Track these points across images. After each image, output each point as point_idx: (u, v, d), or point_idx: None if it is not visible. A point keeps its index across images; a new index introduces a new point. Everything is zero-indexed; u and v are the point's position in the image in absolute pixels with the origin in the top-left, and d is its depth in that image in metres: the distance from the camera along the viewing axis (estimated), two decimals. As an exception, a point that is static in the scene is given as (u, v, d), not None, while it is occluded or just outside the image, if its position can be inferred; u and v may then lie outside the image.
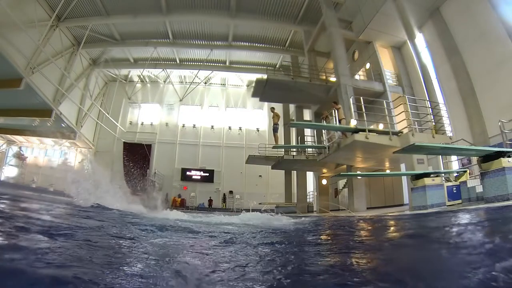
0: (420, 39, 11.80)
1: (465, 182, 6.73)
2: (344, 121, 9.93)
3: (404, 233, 4.02)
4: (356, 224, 5.54)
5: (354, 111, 10.55)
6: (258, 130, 24.53)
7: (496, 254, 1.77)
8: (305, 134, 17.16)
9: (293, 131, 18.77)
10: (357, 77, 14.22)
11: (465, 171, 6.94)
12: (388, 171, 11.95)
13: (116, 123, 22.40)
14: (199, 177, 22.97)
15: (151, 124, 24.48)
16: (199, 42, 20.40)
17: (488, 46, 8.96)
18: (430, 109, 9.01)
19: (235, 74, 24.05)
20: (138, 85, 24.94)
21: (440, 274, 1.52)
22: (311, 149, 15.29)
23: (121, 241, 2.67)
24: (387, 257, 2.33)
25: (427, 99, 9.58)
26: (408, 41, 11.89)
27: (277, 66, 20.81)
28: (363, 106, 8.75)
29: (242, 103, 25.33)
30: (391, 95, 12.00)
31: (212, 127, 24.47)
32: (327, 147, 10.72)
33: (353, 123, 9.41)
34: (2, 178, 19.29)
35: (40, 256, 1.58)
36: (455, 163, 9.48)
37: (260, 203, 19.64)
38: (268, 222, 6.63)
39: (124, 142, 23.18)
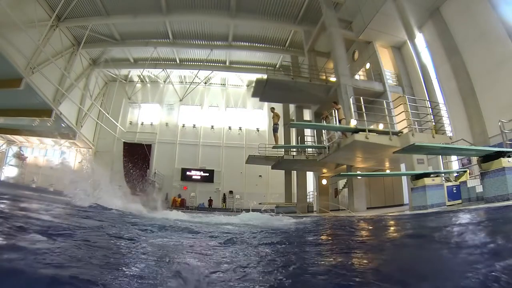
0: (420, 39, 11.80)
1: (465, 182, 6.72)
2: (344, 121, 9.94)
3: (405, 233, 4.01)
4: (357, 224, 5.54)
5: (354, 111, 10.54)
6: (258, 130, 24.53)
7: (497, 254, 1.77)
8: (305, 134, 17.16)
9: (293, 131, 18.77)
10: (357, 77, 14.21)
11: (465, 171, 6.93)
12: (388, 171, 11.95)
13: (116, 123, 22.40)
14: (199, 177, 22.97)
15: (151, 124, 24.48)
16: (199, 42, 20.40)
17: (488, 46, 8.95)
18: (430, 109, 9.01)
19: (235, 74, 24.05)
20: (138, 85, 24.93)
21: (441, 274, 1.51)
22: (311, 149, 15.29)
23: (120, 242, 2.67)
24: (387, 257, 2.33)
25: (427, 99, 9.58)
26: (408, 41, 11.88)
27: (277, 66, 20.81)
28: (363, 106, 8.74)
29: (242, 103, 25.33)
30: (391, 95, 11.99)
31: (212, 127, 24.46)
32: (327, 147, 10.71)
33: (353, 123, 9.41)
34: (2, 178, 19.28)
35: (38, 256, 1.58)
36: (455, 163, 9.48)
37: (260, 203, 19.63)
38: (268, 222, 6.62)
39: (124, 142, 23.18)
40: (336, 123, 10.02)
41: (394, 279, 1.57)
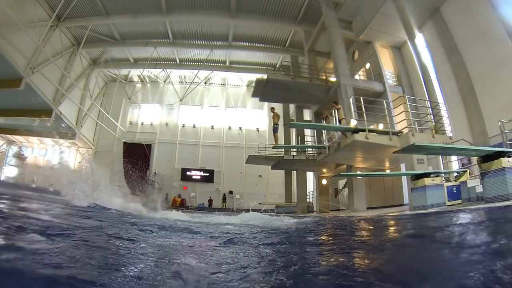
0: (420, 39, 11.79)
1: (465, 182, 6.72)
2: (344, 121, 9.93)
3: (405, 233, 4.00)
4: (357, 224, 5.53)
5: (354, 111, 10.53)
6: (258, 130, 24.53)
7: (497, 254, 1.76)
8: (305, 134, 17.16)
9: (293, 131, 18.76)
10: (357, 77, 14.21)
11: (465, 171, 6.93)
12: (388, 171, 11.94)
13: (116, 123, 22.40)
14: (199, 177, 22.96)
15: (151, 124, 24.48)
16: (199, 42, 20.40)
17: (488, 46, 8.95)
18: (430, 109, 9.00)
19: (235, 74, 24.05)
20: (138, 85, 24.93)
21: (442, 274, 1.51)
22: (311, 149, 15.29)
23: (119, 242, 2.66)
24: (388, 257, 2.32)
25: (427, 99, 9.57)
26: (408, 41, 11.88)
27: (277, 66, 20.81)
28: (363, 106, 8.74)
29: (242, 103, 25.33)
30: (391, 95, 11.99)
31: (212, 127, 24.46)
32: (327, 147, 10.71)
33: (353, 123, 9.40)
34: (2, 178, 19.27)
35: (37, 256, 1.57)
36: (455, 163, 9.47)
37: (260, 203, 19.64)
38: (269, 222, 6.61)
39: (124, 142, 23.18)
40: (336, 123, 10.02)
41: (395, 279, 1.56)
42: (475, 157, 6.44)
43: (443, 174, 7.37)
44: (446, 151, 7.40)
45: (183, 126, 24.44)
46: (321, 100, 14.01)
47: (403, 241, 3.16)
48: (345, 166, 12.20)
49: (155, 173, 21.98)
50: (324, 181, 15.48)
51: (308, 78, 13.63)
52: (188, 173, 22.97)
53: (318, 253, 2.64)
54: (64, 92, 18.77)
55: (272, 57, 21.45)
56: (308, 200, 17.19)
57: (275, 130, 13.08)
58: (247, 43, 20.19)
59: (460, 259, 1.92)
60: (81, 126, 21.22)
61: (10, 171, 20.60)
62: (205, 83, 25.10)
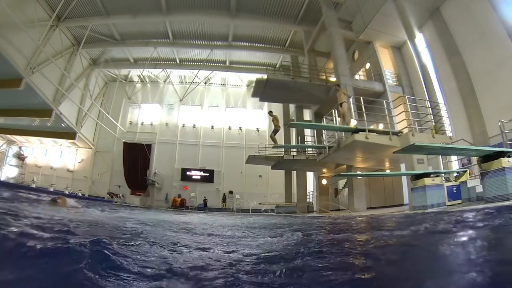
0: (420, 39, 11.80)
1: (465, 182, 6.72)
2: (345, 105, 9.85)
3: (405, 233, 4.00)
4: (357, 223, 5.54)
5: (354, 111, 10.53)
6: (258, 130, 24.53)
7: (498, 254, 1.77)
8: (305, 134, 17.15)
9: (293, 131, 18.77)
10: (357, 77, 14.21)
11: (465, 171, 6.93)
12: (388, 171, 11.95)
13: (116, 123, 22.39)
14: (199, 177, 22.96)
15: (151, 124, 24.47)
16: (199, 42, 20.40)
17: (488, 46, 8.95)
18: (430, 109, 9.01)
19: (235, 74, 24.04)
20: (138, 85, 24.93)
21: (442, 274, 1.52)
22: (311, 149, 15.29)
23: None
24: (389, 257, 2.33)
25: (427, 99, 9.57)
26: (408, 41, 11.88)
27: (277, 66, 20.80)
28: (363, 106, 8.74)
29: (242, 103, 25.32)
30: (391, 95, 11.99)
31: (212, 127, 24.45)
32: (327, 147, 10.70)
33: (353, 123, 9.41)
34: (2, 178, 19.27)
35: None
36: (455, 163, 9.48)
37: (260, 203, 19.67)
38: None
39: (124, 142, 23.17)
40: (336, 124, 10.01)
41: (395, 280, 1.57)
42: (475, 157, 6.44)
43: (443, 174, 7.37)
44: (446, 151, 7.40)
45: (183, 126, 24.43)
46: (321, 100, 14.01)
47: (404, 241, 3.17)
48: (345, 166, 12.20)
49: (155, 173, 21.98)
50: (324, 181, 15.48)
51: (308, 78, 13.63)
52: (188, 173, 22.97)
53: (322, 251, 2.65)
54: (64, 92, 18.77)
55: (272, 57, 21.45)
56: (308, 200, 17.19)
57: (275, 133, 13.03)
58: (247, 43, 20.19)
59: (460, 259, 1.92)
60: (81, 126, 21.21)
61: (10, 171, 20.60)
62: (205, 83, 25.10)
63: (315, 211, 15.65)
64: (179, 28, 19.27)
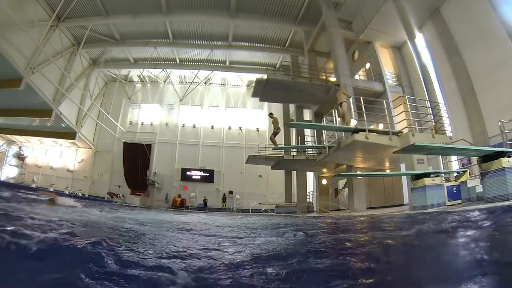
0: (420, 39, 11.80)
1: (465, 182, 6.72)
2: (344, 105, 9.85)
3: (408, 233, 4.00)
4: (359, 223, 5.54)
5: (354, 111, 10.52)
6: (258, 130, 24.52)
7: (498, 254, 1.77)
8: (305, 134, 17.14)
9: (293, 131, 18.76)
10: (357, 77, 14.21)
11: (465, 171, 6.93)
12: (388, 171, 11.94)
13: (116, 123, 22.39)
14: (199, 177, 22.96)
15: (151, 124, 24.47)
16: (199, 42, 20.40)
17: (488, 46, 8.95)
18: (430, 109, 9.00)
19: (235, 74, 24.04)
20: (138, 85, 24.93)
21: (445, 274, 1.51)
22: (311, 149, 15.28)
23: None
24: (393, 258, 2.33)
25: (427, 99, 9.57)
26: (408, 41, 11.87)
27: (277, 66, 20.80)
28: (363, 106, 8.74)
29: (242, 103, 25.32)
30: (391, 95, 11.99)
31: (212, 127, 24.45)
32: (327, 147, 10.70)
33: (353, 123, 9.40)
34: (2, 178, 19.27)
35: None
36: (455, 163, 9.48)
37: (260, 203, 19.66)
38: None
39: (124, 142, 23.17)
40: (336, 124, 10.01)
41: (396, 279, 1.57)
42: (475, 157, 6.44)
43: (443, 174, 7.37)
44: (446, 151, 7.40)
45: (183, 126, 24.43)
46: (321, 100, 14.01)
47: (405, 241, 3.17)
48: (345, 166, 12.19)
49: (155, 173, 21.98)
50: (324, 181, 15.48)
51: (308, 78, 13.63)
52: (188, 173, 22.97)
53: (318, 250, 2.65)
54: (64, 92, 18.78)
55: (272, 57, 21.45)
56: (308, 200, 17.18)
57: (275, 135, 13.01)
58: (247, 43, 20.19)
59: (461, 259, 1.92)
60: (81, 126, 21.21)
61: (10, 171, 20.60)
62: (205, 83, 25.10)
63: (315, 211, 15.65)
64: (179, 28, 19.27)
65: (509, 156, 5.02)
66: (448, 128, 9.41)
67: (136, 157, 22.55)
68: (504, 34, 8.38)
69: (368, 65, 13.86)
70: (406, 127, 8.33)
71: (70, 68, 19.57)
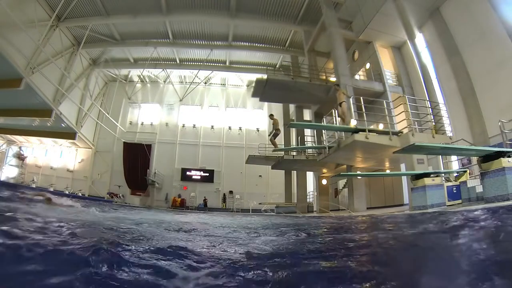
0: (420, 39, 11.80)
1: (465, 182, 6.72)
2: (344, 105, 9.86)
3: (409, 233, 4.01)
4: (359, 223, 5.54)
5: (354, 111, 10.52)
6: (258, 130, 24.52)
7: (501, 254, 1.77)
8: (305, 134, 17.14)
9: (293, 131, 18.76)
10: (357, 77, 14.21)
11: (465, 171, 6.93)
12: (388, 171, 11.94)
13: (116, 123, 22.40)
14: (199, 177, 22.96)
15: (151, 124, 24.47)
16: (199, 42, 20.40)
17: (488, 46, 8.95)
18: (430, 109, 9.00)
19: (235, 74, 24.05)
20: (138, 85, 24.93)
21: (447, 275, 1.51)
22: (311, 149, 15.28)
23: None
24: (395, 258, 2.33)
25: (427, 99, 9.57)
26: (408, 41, 11.88)
27: (277, 66, 20.80)
28: (363, 106, 8.74)
29: (242, 103, 25.33)
30: (391, 95, 11.99)
31: (212, 127, 24.45)
32: (327, 147, 10.70)
33: (353, 123, 9.40)
34: (2, 178, 19.28)
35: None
36: (455, 163, 9.48)
37: (260, 203, 19.67)
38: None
39: (124, 142, 23.18)
40: (336, 124, 10.01)
41: (396, 279, 1.57)
42: (475, 157, 6.44)
43: (443, 174, 7.37)
44: (446, 151, 7.40)
45: (183, 126, 24.43)
46: (321, 100, 14.01)
47: (405, 241, 3.17)
48: (345, 166, 12.20)
49: (155, 173, 21.98)
50: (324, 181, 15.48)
51: (308, 78, 13.63)
52: (188, 173, 22.97)
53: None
54: (64, 92, 18.78)
55: (272, 57, 21.45)
56: (308, 200, 17.19)
57: (275, 136, 13.01)
58: (247, 43, 20.19)
59: (461, 259, 1.92)
60: (81, 126, 21.22)
61: (10, 171, 20.60)
62: (205, 83, 25.10)
63: (315, 211, 15.65)
64: (179, 28, 19.28)
65: (509, 156, 5.02)
66: (448, 128, 9.41)
67: (136, 157, 22.56)
68: (504, 34, 8.39)
69: (368, 65, 13.86)
70: (406, 127, 8.33)
71: (70, 68, 19.57)
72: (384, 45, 13.49)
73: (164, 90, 25.32)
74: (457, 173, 7.27)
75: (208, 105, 25.21)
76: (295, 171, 16.92)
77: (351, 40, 14.21)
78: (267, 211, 18.22)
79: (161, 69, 23.30)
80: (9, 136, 20.29)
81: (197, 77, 23.79)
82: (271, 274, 1.73)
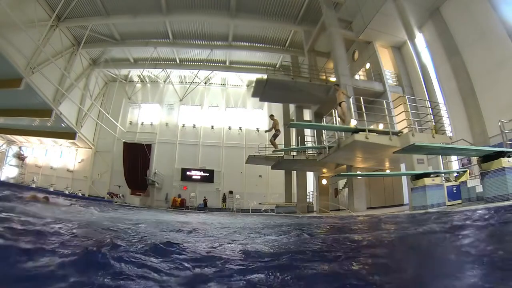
0: (420, 39, 11.80)
1: (465, 182, 6.72)
2: (344, 104, 9.86)
3: (408, 232, 4.01)
4: (360, 223, 5.54)
5: (354, 111, 10.52)
6: (258, 130, 24.51)
7: (499, 252, 1.77)
8: (305, 134, 17.15)
9: (293, 131, 18.75)
10: (357, 77, 14.21)
11: (465, 171, 6.93)
12: (388, 171, 11.94)
13: (116, 123, 22.39)
14: (199, 177, 22.96)
15: (151, 124, 24.47)
16: (199, 42, 20.40)
17: (488, 46, 8.96)
18: (430, 109, 9.01)
19: (235, 74, 24.05)
20: (138, 85, 24.93)
21: (449, 275, 1.51)
22: (311, 149, 15.28)
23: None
24: (397, 258, 2.33)
25: (427, 99, 9.57)
26: (408, 41, 11.88)
27: (277, 66, 20.80)
28: (363, 106, 8.74)
29: (242, 103, 25.32)
30: (391, 95, 11.99)
31: (212, 127, 24.45)
32: (327, 147, 10.70)
33: (353, 123, 9.41)
34: (2, 178, 19.27)
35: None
36: (455, 163, 9.48)
37: (260, 203, 19.67)
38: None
39: (124, 142, 23.17)
40: (336, 124, 10.01)
41: (396, 280, 1.57)
42: (475, 157, 6.44)
43: (443, 174, 7.37)
44: (446, 151, 7.40)
45: (183, 126, 24.43)
46: (321, 100, 14.02)
47: (405, 241, 3.17)
48: (345, 166, 12.20)
49: (155, 173, 21.99)
50: (324, 181, 15.49)
51: (308, 78, 13.63)
52: (188, 173, 22.97)
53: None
54: (64, 92, 18.77)
55: (272, 57, 21.45)
56: (308, 200, 17.19)
57: (275, 137, 13.01)
58: (247, 43, 20.19)
59: (461, 259, 1.92)
60: (81, 126, 21.21)
61: (10, 171, 20.60)
62: (205, 83, 25.10)
63: (315, 211, 15.65)
64: (179, 28, 19.28)
65: (509, 156, 5.02)
66: (448, 128, 9.41)
67: (136, 157, 22.56)
68: (504, 34, 8.39)
69: (368, 65, 13.86)
70: (406, 127, 8.33)
71: (70, 68, 19.57)
72: (384, 45, 13.49)
73: (164, 90, 25.32)
74: (457, 173, 7.27)
75: (208, 105, 25.21)
76: (295, 171, 16.93)
77: (351, 40, 14.21)
78: (267, 211, 18.23)
79: (161, 69, 23.30)
80: (9, 136, 20.30)
81: (197, 77, 23.79)
82: (271, 274, 1.73)
